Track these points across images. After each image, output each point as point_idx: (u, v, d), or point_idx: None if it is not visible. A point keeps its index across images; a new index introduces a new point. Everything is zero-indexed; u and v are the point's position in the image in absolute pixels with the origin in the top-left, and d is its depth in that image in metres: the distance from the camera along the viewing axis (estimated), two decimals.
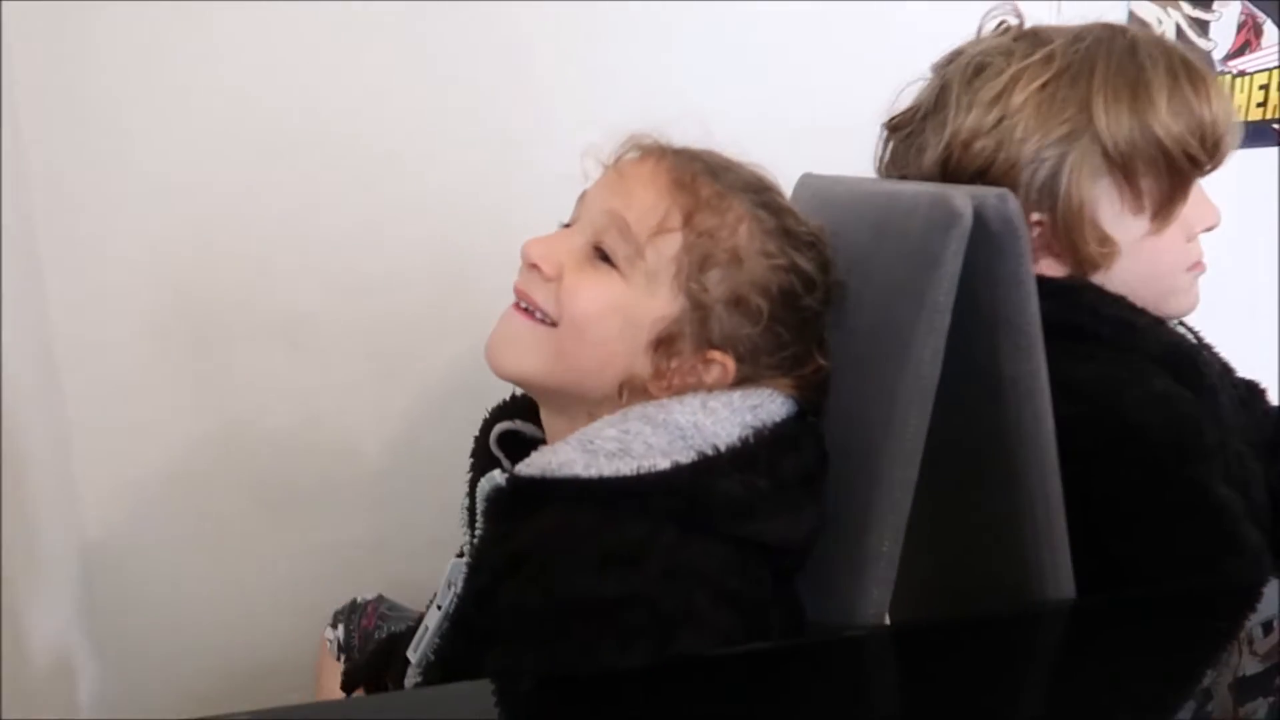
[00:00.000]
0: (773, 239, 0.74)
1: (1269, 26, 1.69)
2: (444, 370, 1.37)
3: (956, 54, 0.87)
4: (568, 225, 0.79)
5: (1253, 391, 0.90)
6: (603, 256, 0.74)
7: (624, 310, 0.73)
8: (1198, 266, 0.86)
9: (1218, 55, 1.68)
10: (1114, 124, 0.79)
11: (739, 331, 0.73)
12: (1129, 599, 0.74)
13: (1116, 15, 1.61)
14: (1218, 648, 0.70)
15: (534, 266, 0.75)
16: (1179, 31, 1.65)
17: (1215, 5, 1.66)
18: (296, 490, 1.38)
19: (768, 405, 0.73)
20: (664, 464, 0.67)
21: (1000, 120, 0.81)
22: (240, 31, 1.24)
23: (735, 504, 0.68)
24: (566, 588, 0.65)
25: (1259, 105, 1.72)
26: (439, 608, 0.80)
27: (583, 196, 0.79)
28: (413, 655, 0.81)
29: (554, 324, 0.74)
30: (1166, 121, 0.79)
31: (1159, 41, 0.84)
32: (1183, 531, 0.74)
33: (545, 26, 1.34)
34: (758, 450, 0.69)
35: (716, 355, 0.73)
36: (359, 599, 1.21)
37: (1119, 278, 0.82)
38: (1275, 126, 1.73)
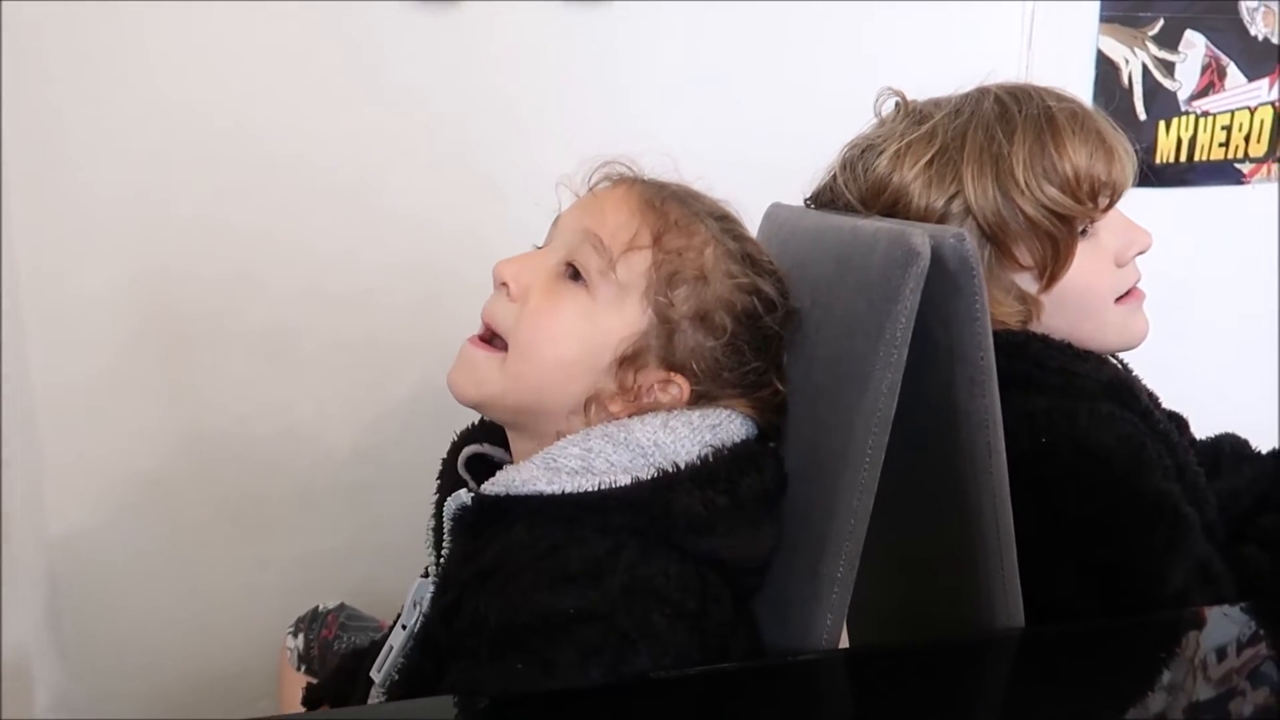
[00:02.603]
0: (736, 262, 0.77)
1: (1232, 69, 1.74)
2: (416, 387, 1.38)
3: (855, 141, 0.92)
4: (541, 248, 0.81)
5: (1177, 423, 0.92)
6: (574, 274, 0.76)
7: (591, 328, 0.75)
8: (1133, 295, 0.88)
9: (1183, 96, 1.73)
10: (981, 198, 0.82)
11: (703, 347, 0.75)
12: (1080, 627, 0.76)
13: (1085, 56, 1.66)
14: (1168, 674, 0.72)
15: (503, 285, 0.77)
16: (1145, 71, 1.69)
17: (1180, 47, 1.70)
18: (266, 500, 1.38)
19: (727, 425, 0.75)
20: (624, 480, 0.69)
21: (896, 199, 0.85)
22: (226, 46, 1.25)
23: (694, 520, 0.69)
24: (526, 602, 0.66)
25: (1221, 145, 1.76)
26: (404, 627, 0.81)
27: (556, 220, 0.81)
28: (377, 675, 0.82)
29: (506, 348, 0.76)
30: (1029, 189, 0.81)
31: (1031, 97, 0.85)
32: (1145, 530, 0.78)
33: (526, 59, 1.37)
34: (717, 468, 0.71)
35: (675, 377, 0.75)
36: (321, 607, 1.21)
37: (1051, 324, 0.85)
38: (1237, 166, 1.78)
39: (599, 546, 0.68)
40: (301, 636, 1.18)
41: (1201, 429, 0.98)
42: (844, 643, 0.97)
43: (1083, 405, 0.80)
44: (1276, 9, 1.73)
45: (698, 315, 0.75)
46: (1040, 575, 0.76)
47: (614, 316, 0.75)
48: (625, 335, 0.75)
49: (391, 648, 0.82)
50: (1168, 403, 0.93)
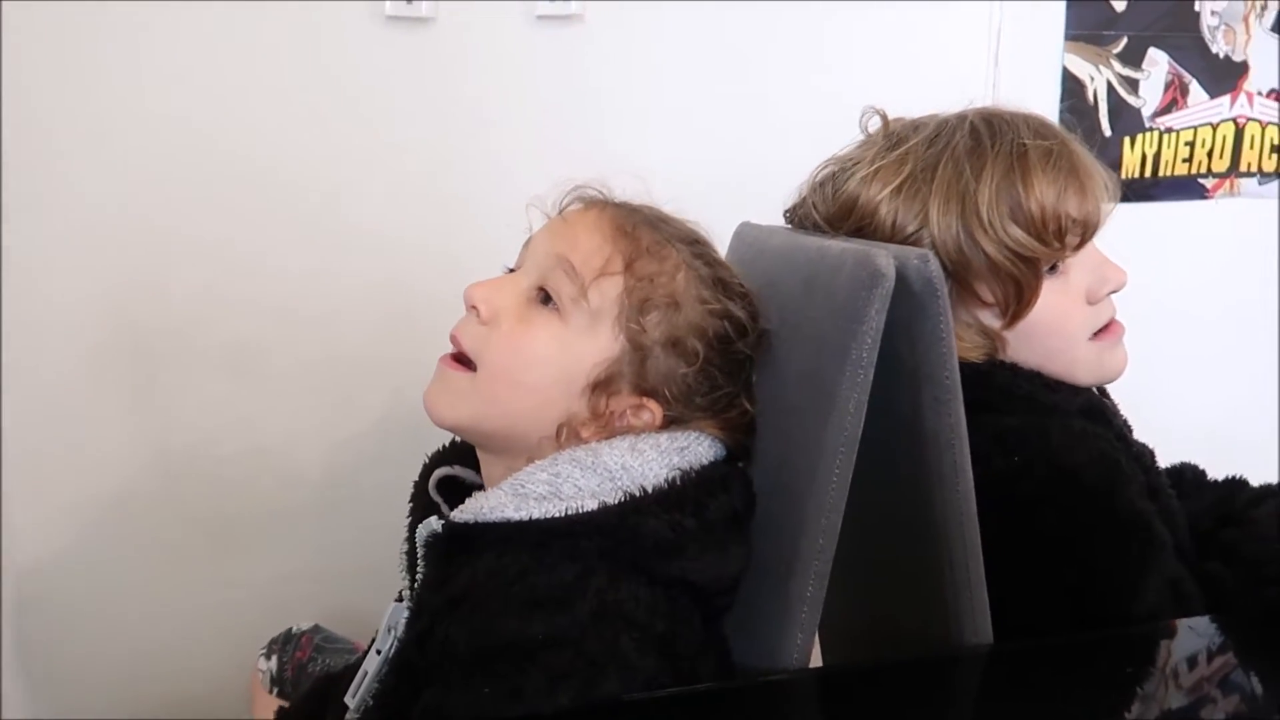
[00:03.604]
0: (708, 287, 0.77)
1: (1195, 86, 1.77)
2: (387, 405, 1.37)
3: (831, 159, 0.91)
4: (512, 270, 0.81)
5: (1148, 453, 0.93)
6: (545, 299, 0.76)
7: (563, 353, 0.75)
8: (1109, 331, 0.87)
9: (1147, 112, 1.76)
10: (945, 233, 0.81)
11: (675, 372, 0.75)
12: (1048, 642, 0.76)
13: (1051, 73, 1.68)
14: (1137, 687, 0.73)
15: (473, 309, 0.78)
16: (1110, 88, 1.72)
17: (1144, 65, 1.73)
18: (237, 520, 1.37)
19: (695, 448, 0.75)
20: (591, 505, 0.69)
21: (863, 220, 0.85)
22: (200, 61, 1.25)
23: (662, 543, 0.69)
24: (494, 628, 0.66)
25: (1185, 161, 1.79)
26: (378, 652, 0.80)
27: (528, 243, 0.81)
28: (351, 701, 0.81)
29: (475, 369, 0.76)
30: (992, 229, 0.80)
31: (1007, 130, 0.83)
32: (1118, 549, 0.78)
33: (497, 78, 1.37)
34: (685, 490, 0.71)
35: (648, 403, 0.75)
36: (294, 629, 1.20)
37: (1019, 356, 0.85)
38: (1200, 181, 1.81)
39: (567, 572, 0.68)
40: (275, 658, 1.17)
41: (1169, 443, 0.99)
42: (816, 661, 0.98)
43: (1055, 422, 0.81)
44: (1238, 27, 1.77)
45: (670, 341, 0.75)
46: (1015, 593, 0.77)
47: (586, 342, 0.75)
48: (597, 361, 0.75)
49: (366, 673, 0.81)
50: (1131, 413, 0.94)
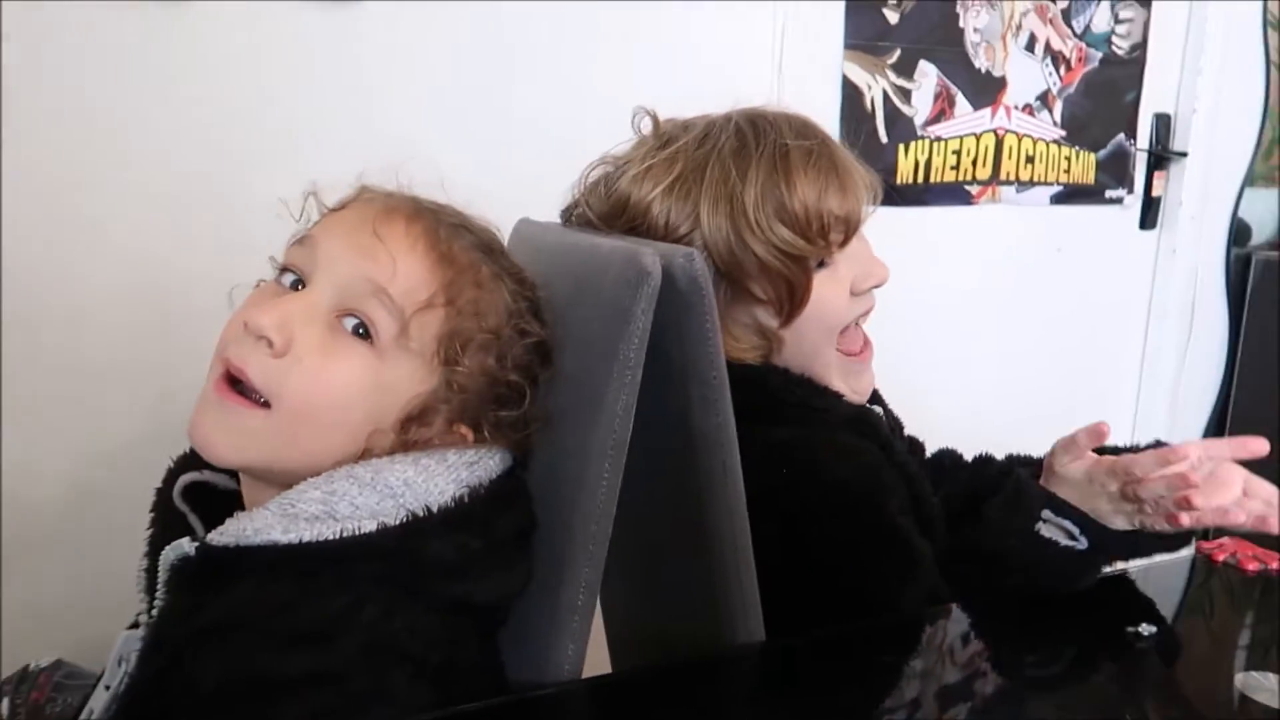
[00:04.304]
0: (524, 315, 0.73)
1: (960, 98, 1.88)
2: (136, 414, 1.26)
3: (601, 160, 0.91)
4: (286, 277, 0.71)
5: (913, 446, 0.98)
6: (356, 328, 0.68)
7: (375, 389, 0.68)
8: (861, 356, 0.90)
9: (919, 121, 1.85)
10: (715, 234, 0.83)
11: (488, 401, 0.71)
12: (815, 637, 0.77)
13: (831, 81, 1.75)
14: (903, 671, 0.75)
15: (262, 339, 0.67)
16: (885, 97, 1.81)
17: (916, 76, 1.83)
18: None
19: (485, 462, 0.70)
20: (370, 526, 0.63)
21: (636, 218, 0.84)
22: None
23: (447, 566, 0.65)
24: (246, 665, 0.60)
25: (952, 168, 1.90)
26: (106, 687, 0.73)
27: (307, 243, 0.71)
28: None
29: (269, 405, 0.67)
30: (759, 229, 0.82)
31: (769, 131, 0.84)
32: (878, 561, 0.82)
33: (260, 61, 1.29)
34: (473, 509, 0.67)
35: (461, 429, 0.71)
36: (32, 666, 1.07)
37: (791, 355, 0.87)
38: (966, 188, 1.93)
39: (336, 602, 0.62)
40: (7, 701, 1.04)
41: (939, 428, 1.04)
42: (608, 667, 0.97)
43: (822, 436, 0.83)
44: (997, 45, 1.90)
45: (487, 374, 0.71)
46: (785, 603, 0.78)
47: (401, 377, 0.69)
48: (413, 395, 0.69)
49: (93, 711, 0.73)
50: (904, 403, 0.98)
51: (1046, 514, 0.80)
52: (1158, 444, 0.88)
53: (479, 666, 0.70)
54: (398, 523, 0.64)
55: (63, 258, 1.21)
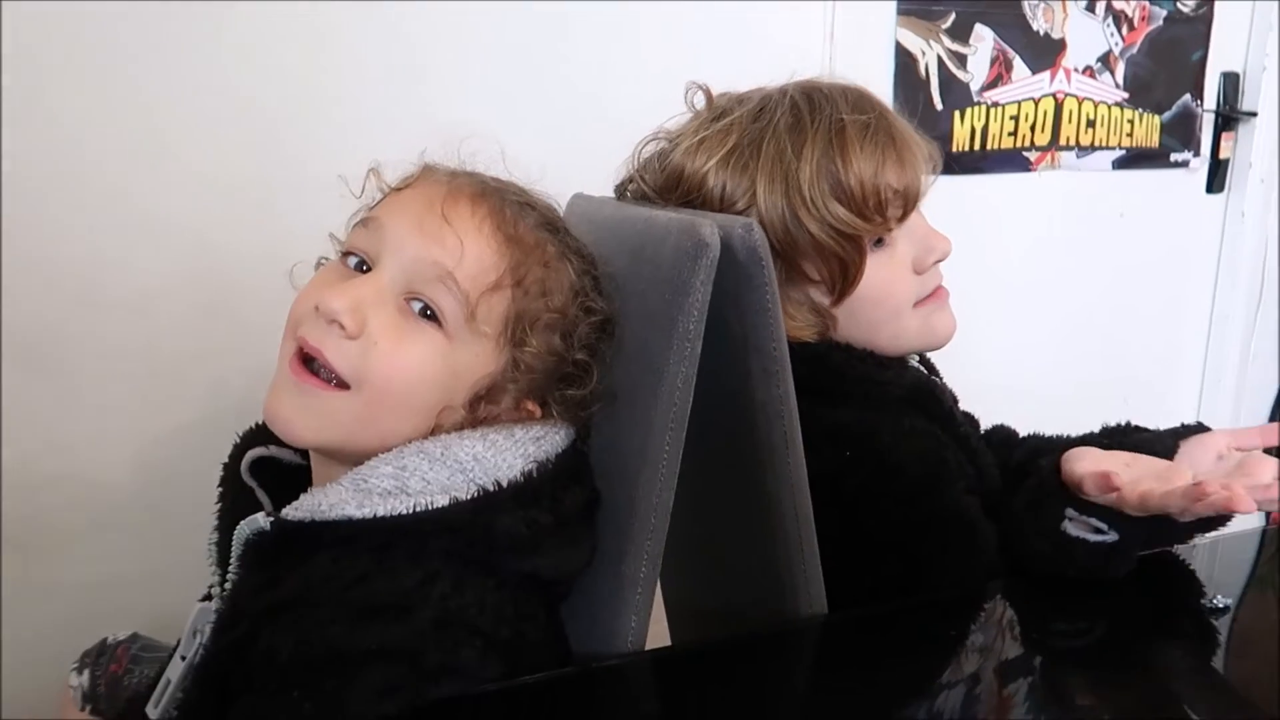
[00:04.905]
0: (588, 293, 0.73)
1: (1018, 62, 1.84)
2: (203, 394, 1.28)
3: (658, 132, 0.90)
4: (350, 259, 0.71)
5: (971, 423, 0.96)
6: (424, 310, 0.69)
7: (447, 371, 0.69)
8: (936, 296, 0.88)
9: (975, 87, 1.81)
10: (771, 212, 0.81)
11: (555, 378, 0.72)
12: (884, 609, 0.77)
13: (884, 47, 1.71)
14: (981, 640, 0.75)
15: (334, 323, 0.67)
16: (940, 63, 1.77)
17: (971, 40, 1.79)
18: (45, 525, 1.26)
19: (551, 437, 0.71)
20: (442, 500, 0.64)
21: (692, 189, 0.83)
22: None
23: (517, 541, 0.66)
24: (321, 637, 0.61)
25: (1010, 134, 1.86)
26: (182, 658, 0.74)
27: (372, 225, 0.71)
28: (153, 712, 0.75)
29: (347, 386, 0.68)
30: (814, 207, 0.80)
31: (825, 105, 0.83)
32: (940, 548, 0.80)
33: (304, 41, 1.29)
34: (541, 484, 0.68)
35: (529, 405, 0.72)
36: (110, 639, 1.11)
37: (849, 334, 0.85)
38: (1025, 154, 1.88)
39: (409, 577, 0.63)
40: (87, 673, 1.08)
41: (994, 406, 1.02)
42: (667, 640, 0.97)
43: (885, 420, 0.82)
44: (1056, 6, 1.85)
45: (554, 353, 0.71)
46: (848, 583, 0.77)
47: (470, 358, 0.70)
48: (481, 375, 0.70)
49: (169, 681, 0.75)
50: (958, 376, 0.96)
51: (1070, 513, 0.76)
52: (1183, 429, 0.84)
53: (546, 641, 0.70)
54: (469, 497, 0.65)
55: (122, 246, 1.24)
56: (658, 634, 0.96)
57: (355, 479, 0.66)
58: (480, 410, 0.71)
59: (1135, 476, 0.74)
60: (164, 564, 1.29)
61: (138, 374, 1.26)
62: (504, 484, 0.66)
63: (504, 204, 0.72)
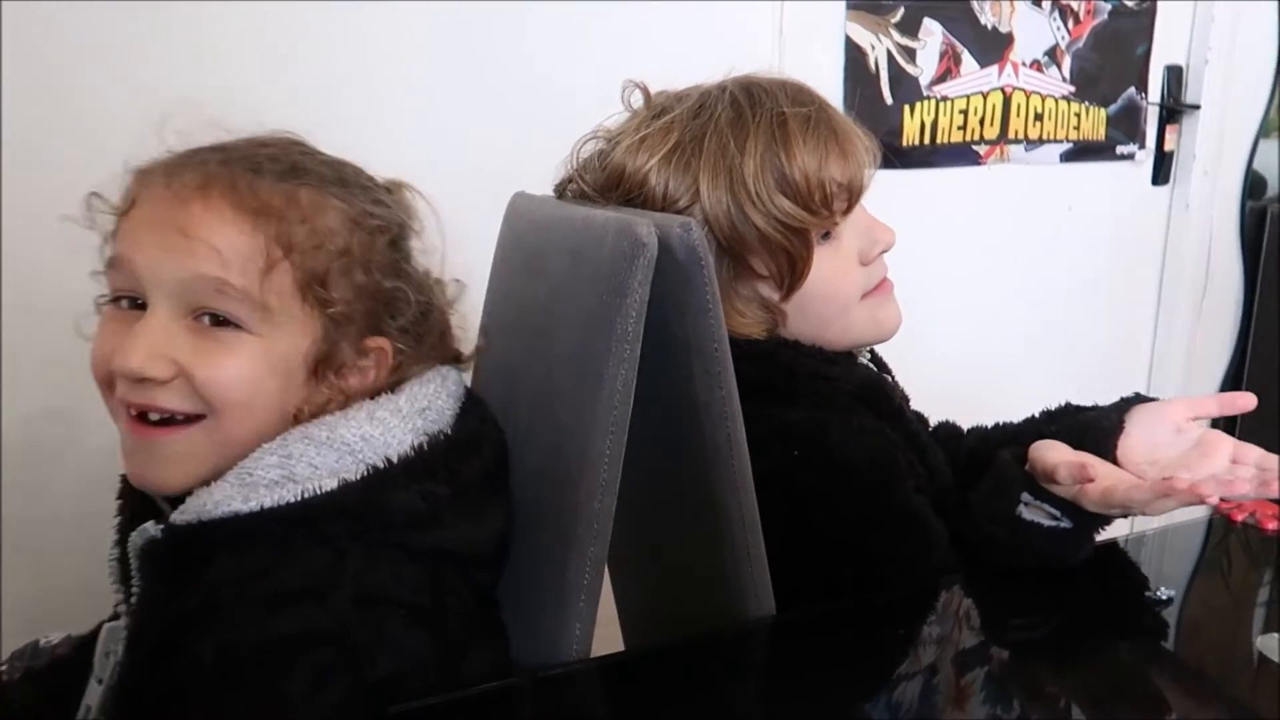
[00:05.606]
0: (365, 213, 0.70)
1: (966, 56, 1.85)
2: None
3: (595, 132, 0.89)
4: (122, 301, 0.67)
5: (920, 421, 0.96)
6: (216, 319, 0.65)
7: (272, 364, 0.67)
8: (881, 289, 0.88)
9: (924, 81, 1.82)
10: (716, 208, 0.80)
11: (379, 312, 0.70)
12: (833, 609, 0.76)
13: (834, 42, 1.71)
14: (932, 636, 0.75)
15: (142, 380, 0.64)
16: (890, 57, 1.77)
17: (920, 34, 1.79)
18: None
19: (436, 404, 0.70)
20: (331, 484, 0.63)
21: (633, 188, 0.82)
22: None
23: (415, 516, 0.65)
24: (242, 636, 0.60)
25: (960, 128, 1.87)
26: (99, 681, 0.72)
27: (120, 264, 0.66)
28: None
29: (201, 415, 0.66)
30: (759, 201, 0.79)
31: (765, 100, 0.82)
32: (893, 544, 0.80)
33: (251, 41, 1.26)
34: (434, 457, 0.67)
35: (371, 342, 0.70)
36: (42, 641, 1.06)
37: (797, 329, 0.85)
38: (974, 148, 1.89)
39: (318, 560, 0.62)
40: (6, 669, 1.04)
41: (945, 399, 1.02)
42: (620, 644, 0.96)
43: (835, 417, 0.81)
44: (1002, 1, 1.85)
45: (364, 291, 0.69)
46: (797, 583, 0.77)
47: (287, 342, 0.67)
48: (307, 350, 0.67)
49: (89, 707, 0.72)
50: (912, 378, 0.96)
51: (1026, 497, 0.77)
52: (1123, 402, 0.85)
53: (471, 613, 0.69)
54: (359, 478, 0.64)
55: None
56: (611, 637, 0.95)
57: (240, 473, 0.64)
58: (328, 379, 0.69)
59: (1103, 473, 0.74)
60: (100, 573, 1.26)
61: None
62: (394, 460, 0.65)
63: (234, 179, 0.66)
